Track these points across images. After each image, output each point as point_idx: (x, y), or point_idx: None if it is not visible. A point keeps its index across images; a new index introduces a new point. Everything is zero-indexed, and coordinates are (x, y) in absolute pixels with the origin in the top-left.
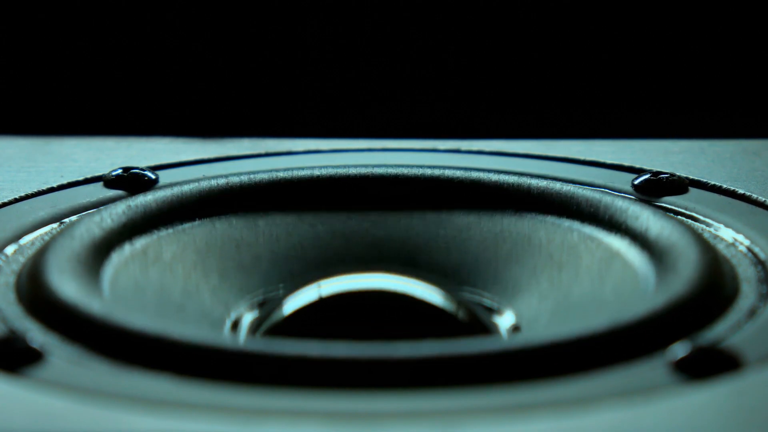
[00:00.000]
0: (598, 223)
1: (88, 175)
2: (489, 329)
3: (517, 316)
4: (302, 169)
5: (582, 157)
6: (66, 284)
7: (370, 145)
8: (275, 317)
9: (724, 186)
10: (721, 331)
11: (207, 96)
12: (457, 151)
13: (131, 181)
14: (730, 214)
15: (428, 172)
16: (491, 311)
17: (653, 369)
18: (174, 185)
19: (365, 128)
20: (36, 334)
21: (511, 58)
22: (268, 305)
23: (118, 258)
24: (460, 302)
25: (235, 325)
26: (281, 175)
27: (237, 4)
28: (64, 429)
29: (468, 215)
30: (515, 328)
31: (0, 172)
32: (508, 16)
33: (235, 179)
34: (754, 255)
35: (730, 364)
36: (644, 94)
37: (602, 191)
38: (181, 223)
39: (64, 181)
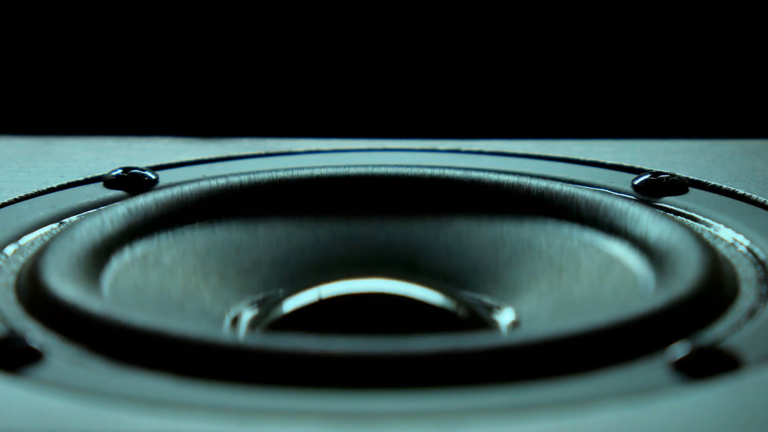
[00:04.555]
0: (598, 226)
1: (88, 175)
2: (489, 328)
3: (517, 316)
4: (302, 169)
5: (582, 158)
6: (65, 284)
7: (370, 145)
8: (274, 316)
9: (724, 186)
10: (721, 331)
11: (207, 96)
12: (457, 151)
13: (131, 182)
14: (730, 214)
15: (428, 172)
16: (491, 309)
17: (653, 369)
18: (174, 185)
19: (365, 128)
20: (36, 334)
21: (512, 59)
22: (267, 303)
23: (117, 258)
24: (460, 302)
25: (235, 323)
26: (281, 175)
27: (237, 4)
28: (64, 429)
29: (468, 220)
30: (514, 325)
31: (0, 172)
32: (509, 16)
33: (235, 179)
34: (754, 255)
35: (730, 364)
36: (644, 94)
37: (602, 192)
38: (181, 225)
39: (64, 181)
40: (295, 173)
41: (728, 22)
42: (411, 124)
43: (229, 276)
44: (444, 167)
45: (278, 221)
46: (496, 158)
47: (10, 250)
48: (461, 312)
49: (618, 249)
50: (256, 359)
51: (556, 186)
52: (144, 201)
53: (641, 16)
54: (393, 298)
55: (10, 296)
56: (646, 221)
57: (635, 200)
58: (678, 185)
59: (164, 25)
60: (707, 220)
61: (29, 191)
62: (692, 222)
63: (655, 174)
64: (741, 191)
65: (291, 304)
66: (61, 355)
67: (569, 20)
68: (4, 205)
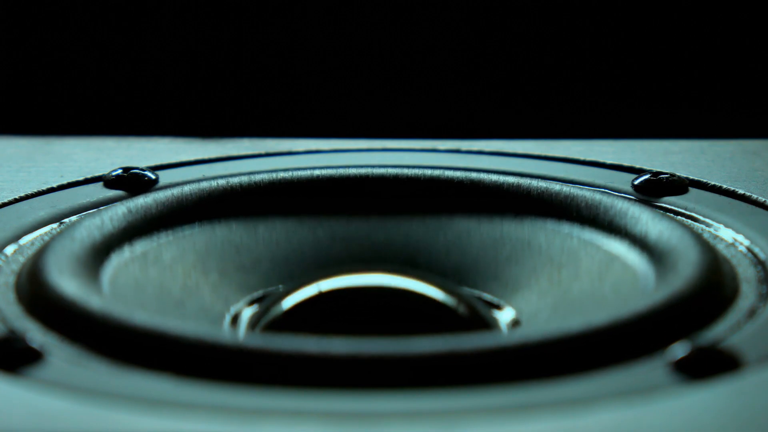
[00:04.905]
0: (598, 225)
1: (88, 175)
2: (489, 325)
3: (517, 313)
4: (302, 169)
5: (582, 158)
6: (65, 284)
7: (370, 145)
8: (274, 312)
9: (724, 186)
10: (721, 331)
11: (207, 96)
12: (457, 151)
13: (131, 181)
14: (730, 214)
15: (428, 172)
16: (491, 306)
17: (653, 369)
18: (174, 185)
19: (365, 128)
20: (36, 334)
21: (512, 59)
22: (267, 300)
23: (117, 258)
24: (460, 297)
25: (235, 321)
26: (281, 175)
27: (237, 4)
28: (64, 429)
29: (468, 219)
30: (515, 323)
31: (0, 172)
32: (509, 16)
33: (235, 179)
34: (754, 255)
35: (730, 364)
36: (644, 94)
37: (602, 192)
38: (181, 225)
39: (64, 181)
40: (295, 173)
41: (728, 22)
42: (411, 124)
43: (228, 275)
44: (444, 167)
45: (278, 220)
46: (496, 158)
47: (10, 250)
48: (461, 309)
49: (618, 248)
50: (257, 360)
51: (556, 186)
52: (144, 201)
53: (641, 16)
54: (393, 294)
55: (10, 296)
56: (646, 222)
57: (635, 200)
58: (678, 185)
59: (164, 25)
60: (707, 220)
61: (29, 191)
62: (692, 222)
63: (655, 174)
64: (741, 191)
65: (290, 300)
66: (61, 355)
67: (569, 20)
68: (4, 205)
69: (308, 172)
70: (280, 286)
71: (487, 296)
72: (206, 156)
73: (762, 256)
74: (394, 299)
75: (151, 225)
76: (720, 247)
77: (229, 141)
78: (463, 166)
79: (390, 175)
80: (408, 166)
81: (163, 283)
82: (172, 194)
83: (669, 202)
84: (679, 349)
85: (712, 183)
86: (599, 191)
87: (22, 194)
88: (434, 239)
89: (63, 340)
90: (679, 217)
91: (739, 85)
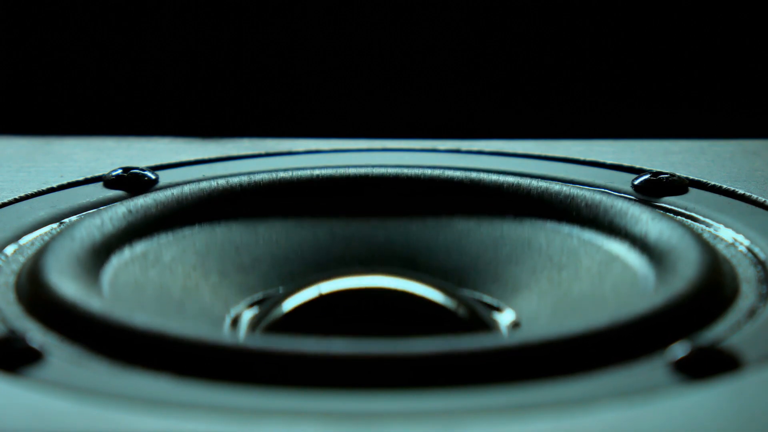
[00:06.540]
0: (598, 225)
1: (88, 175)
2: (489, 326)
3: (517, 314)
4: (302, 169)
5: (582, 158)
6: (66, 284)
7: (370, 145)
8: (275, 314)
9: (724, 186)
10: (721, 331)
11: (207, 96)
12: (457, 151)
13: (131, 182)
14: (730, 214)
15: (428, 172)
16: (491, 308)
17: (653, 369)
18: (174, 185)
19: (365, 128)
20: (35, 334)
21: (512, 59)
22: (267, 302)
23: (117, 258)
24: (460, 299)
25: (235, 322)
26: (281, 175)
27: (237, 4)
28: (64, 429)
29: (468, 220)
30: (515, 325)
31: (0, 172)
32: (509, 16)
33: (235, 179)
34: (754, 255)
35: (730, 364)
36: (644, 94)
37: (602, 192)
38: (181, 225)
39: (64, 181)
40: (295, 173)
41: (728, 22)
42: (411, 124)
43: (228, 274)
44: (444, 167)
45: (278, 220)
46: (496, 158)
47: (10, 250)
48: (461, 310)
49: (618, 249)
50: (257, 360)
51: (556, 186)
52: (144, 201)
53: (641, 16)
54: (393, 295)
55: (10, 296)
56: (646, 221)
57: (635, 200)
58: (678, 185)
59: (164, 25)
60: (707, 220)
61: (29, 191)
62: (692, 222)
63: (655, 174)
64: (741, 191)
65: (290, 303)
66: (61, 355)
67: (569, 20)
68: (4, 205)
69: (308, 172)
70: (280, 288)
71: (487, 298)
72: (206, 156)
73: (762, 256)
74: (394, 302)
75: (151, 225)
76: (720, 247)
77: (229, 141)
78: (463, 166)
79: (390, 174)
80: (408, 166)
81: (163, 283)
82: (172, 194)
83: (669, 202)
84: (679, 349)
85: (712, 183)
86: (599, 191)
87: (22, 194)
88: (434, 239)
89: (63, 340)
90: (679, 217)
91: (739, 85)
